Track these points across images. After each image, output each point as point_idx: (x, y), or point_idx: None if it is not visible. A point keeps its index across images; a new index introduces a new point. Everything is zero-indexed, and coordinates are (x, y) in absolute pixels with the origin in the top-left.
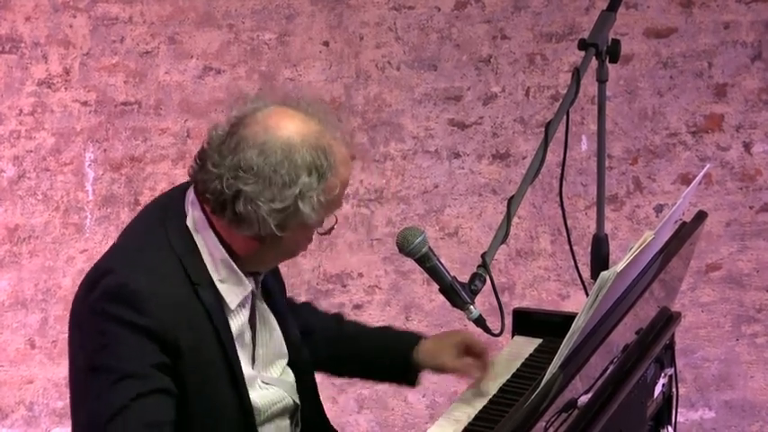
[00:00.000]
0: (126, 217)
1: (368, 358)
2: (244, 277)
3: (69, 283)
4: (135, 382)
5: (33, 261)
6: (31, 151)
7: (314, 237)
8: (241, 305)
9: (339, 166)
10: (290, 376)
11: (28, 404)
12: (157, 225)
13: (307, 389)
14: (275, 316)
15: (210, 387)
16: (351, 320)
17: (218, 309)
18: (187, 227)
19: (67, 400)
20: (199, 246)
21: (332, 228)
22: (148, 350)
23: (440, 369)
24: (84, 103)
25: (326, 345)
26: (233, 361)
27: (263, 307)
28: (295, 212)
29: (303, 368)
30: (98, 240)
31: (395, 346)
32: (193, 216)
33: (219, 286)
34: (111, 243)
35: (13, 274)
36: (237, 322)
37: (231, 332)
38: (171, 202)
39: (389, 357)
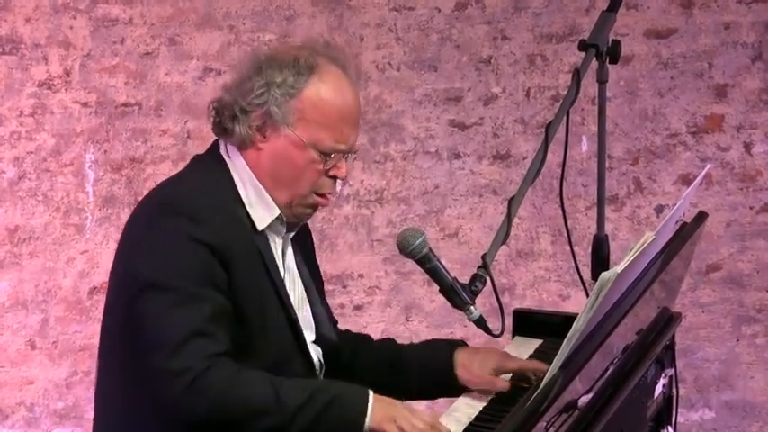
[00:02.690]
0: (126, 218)
1: (404, 378)
2: (271, 201)
3: (69, 283)
4: (194, 306)
5: (34, 262)
6: (32, 152)
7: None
8: (272, 238)
9: (323, 79)
10: (318, 350)
11: (28, 405)
12: (195, 160)
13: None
14: (305, 287)
15: (261, 306)
16: (383, 342)
17: (253, 230)
18: (220, 154)
19: (68, 402)
20: (231, 172)
21: (338, 161)
22: (208, 266)
23: (473, 383)
24: (85, 105)
25: (379, 375)
26: (276, 279)
27: (293, 269)
28: (267, 112)
29: (328, 350)
30: (98, 241)
31: (434, 359)
32: (226, 149)
33: (249, 210)
34: (111, 244)
35: (14, 275)
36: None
37: (272, 252)
38: (206, 151)
39: (429, 374)
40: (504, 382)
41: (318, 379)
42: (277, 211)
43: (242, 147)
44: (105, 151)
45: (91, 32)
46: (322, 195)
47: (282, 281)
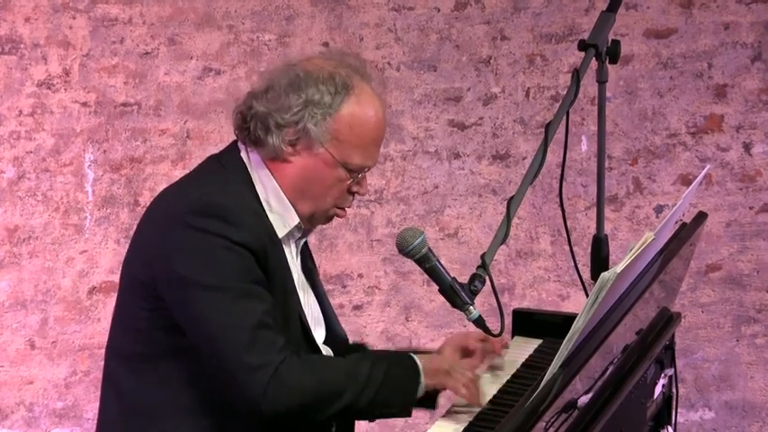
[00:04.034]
0: (126, 218)
1: None
2: (292, 209)
3: (69, 283)
4: (252, 301)
5: (33, 262)
6: (31, 152)
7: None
8: (286, 244)
9: (359, 101)
10: (328, 351)
11: (28, 405)
12: (216, 162)
13: None
14: (312, 289)
15: (285, 306)
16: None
17: (275, 233)
18: (241, 158)
19: (67, 401)
20: (253, 178)
21: (362, 179)
22: (251, 266)
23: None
24: (84, 104)
25: None
26: (289, 279)
27: (300, 272)
28: (303, 129)
29: (338, 347)
30: (98, 241)
31: None
32: (248, 155)
33: (270, 216)
34: (110, 243)
35: (13, 275)
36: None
37: (287, 258)
38: (223, 151)
39: None
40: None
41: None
42: (297, 219)
43: (271, 158)
44: (105, 151)
45: (90, 32)
46: (341, 208)
47: (294, 284)
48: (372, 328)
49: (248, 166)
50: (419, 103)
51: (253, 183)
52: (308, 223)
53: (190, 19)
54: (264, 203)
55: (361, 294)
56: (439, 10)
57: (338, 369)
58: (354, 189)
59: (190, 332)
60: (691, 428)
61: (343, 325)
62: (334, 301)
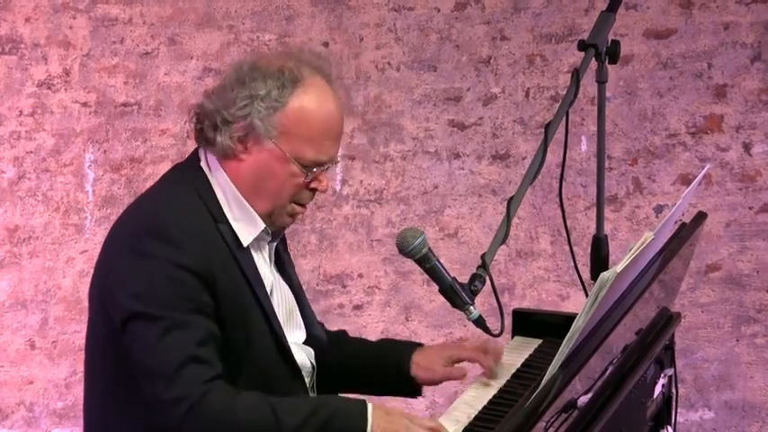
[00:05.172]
0: None
1: (366, 375)
2: (255, 215)
3: (69, 283)
4: (184, 332)
5: (33, 262)
6: (32, 152)
7: (309, 204)
8: (255, 249)
9: (308, 92)
10: (310, 352)
11: (28, 405)
12: (176, 173)
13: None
14: (291, 289)
15: (244, 320)
16: (353, 338)
17: (237, 246)
18: (201, 167)
19: (67, 401)
20: (213, 186)
21: (320, 175)
22: (194, 292)
23: (431, 381)
24: (84, 104)
25: (330, 365)
26: (259, 293)
27: (276, 275)
28: (249, 124)
29: (319, 348)
30: (98, 241)
31: (390, 360)
32: (206, 160)
33: (234, 225)
34: None
35: (14, 275)
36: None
37: (255, 266)
38: (186, 159)
39: (386, 372)
40: (460, 369)
41: (317, 396)
42: (262, 225)
43: (223, 157)
44: (105, 151)
45: (90, 32)
46: (300, 204)
47: (266, 292)
48: (372, 328)
49: (208, 174)
50: (419, 103)
51: (214, 192)
52: (270, 223)
53: (190, 19)
54: (228, 212)
55: (362, 294)
56: (439, 10)
57: (267, 412)
58: (313, 186)
59: (119, 352)
60: (690, 428)
61: (343, 325)
62: (333, 301)
